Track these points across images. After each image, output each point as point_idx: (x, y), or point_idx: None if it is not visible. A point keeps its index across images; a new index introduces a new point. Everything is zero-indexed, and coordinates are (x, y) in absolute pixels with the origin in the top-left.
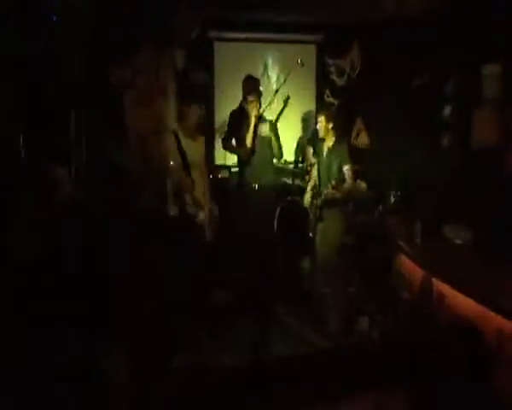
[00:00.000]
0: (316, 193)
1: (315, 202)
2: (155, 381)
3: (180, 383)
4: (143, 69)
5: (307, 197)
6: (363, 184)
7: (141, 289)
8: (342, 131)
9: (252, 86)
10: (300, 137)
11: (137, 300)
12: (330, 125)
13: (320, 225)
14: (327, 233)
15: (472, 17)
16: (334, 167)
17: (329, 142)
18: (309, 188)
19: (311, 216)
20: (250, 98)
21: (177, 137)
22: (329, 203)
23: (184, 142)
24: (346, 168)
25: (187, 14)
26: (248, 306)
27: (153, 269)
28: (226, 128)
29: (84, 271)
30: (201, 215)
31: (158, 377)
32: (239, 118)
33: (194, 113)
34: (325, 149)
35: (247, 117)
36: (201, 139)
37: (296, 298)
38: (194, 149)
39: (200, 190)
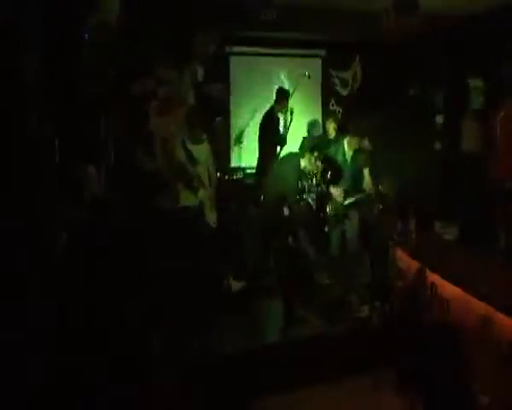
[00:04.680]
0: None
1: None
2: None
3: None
4: (165, 81)
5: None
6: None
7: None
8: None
9: (280, 96)
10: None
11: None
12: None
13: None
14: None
15: (457, 40)
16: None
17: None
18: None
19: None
20: (278, 106)
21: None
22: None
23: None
24: (366, 172)
25: (206, 32)
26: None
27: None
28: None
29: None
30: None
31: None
32: (270, 121)
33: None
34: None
35: (276, 121)
36: (205, 142)
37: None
38: (199, 149)
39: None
